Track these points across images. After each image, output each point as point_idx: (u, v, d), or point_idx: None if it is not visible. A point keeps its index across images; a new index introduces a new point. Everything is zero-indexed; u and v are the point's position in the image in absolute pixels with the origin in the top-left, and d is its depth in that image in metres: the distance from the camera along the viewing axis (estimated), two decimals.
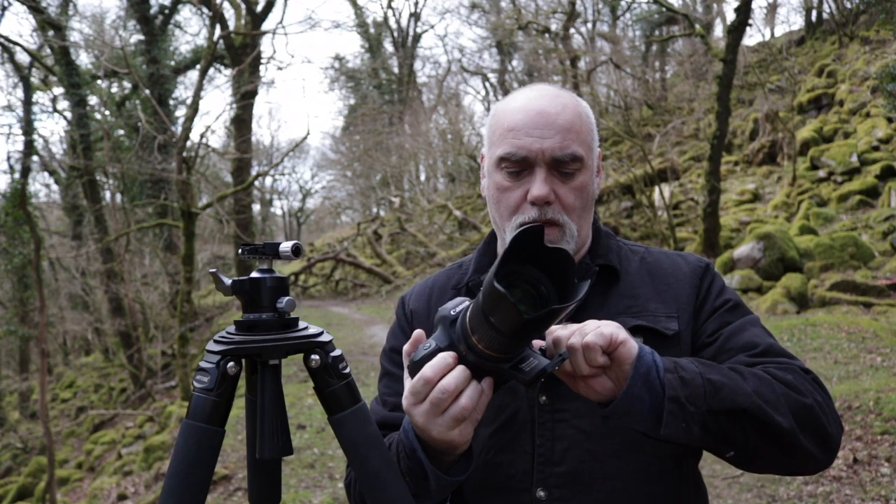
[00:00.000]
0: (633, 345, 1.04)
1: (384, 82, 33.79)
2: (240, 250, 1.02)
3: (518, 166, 1.25)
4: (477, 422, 1.06)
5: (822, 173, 13.54)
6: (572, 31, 24.51)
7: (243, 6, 20.26)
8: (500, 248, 1.38)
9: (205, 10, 17.17)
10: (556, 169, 1.24)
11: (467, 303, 1.05)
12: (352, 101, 36.72)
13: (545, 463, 1.21)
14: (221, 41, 18.68)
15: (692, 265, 1.33)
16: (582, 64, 23.82)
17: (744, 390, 1.06)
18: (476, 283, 1.35)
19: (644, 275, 1.31)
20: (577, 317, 1.25)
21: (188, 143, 12.65)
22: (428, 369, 1.02)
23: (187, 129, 12.20)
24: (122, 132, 20.36)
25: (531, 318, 0.92)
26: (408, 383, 1.07)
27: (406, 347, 1.10)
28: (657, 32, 26.84)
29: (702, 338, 1.25)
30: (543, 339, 1.07)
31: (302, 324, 1.05)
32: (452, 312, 1.05)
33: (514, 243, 0.95)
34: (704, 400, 1.04)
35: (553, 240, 1.24)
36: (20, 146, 18.97)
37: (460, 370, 1.02)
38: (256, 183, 20.58)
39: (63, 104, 19.99)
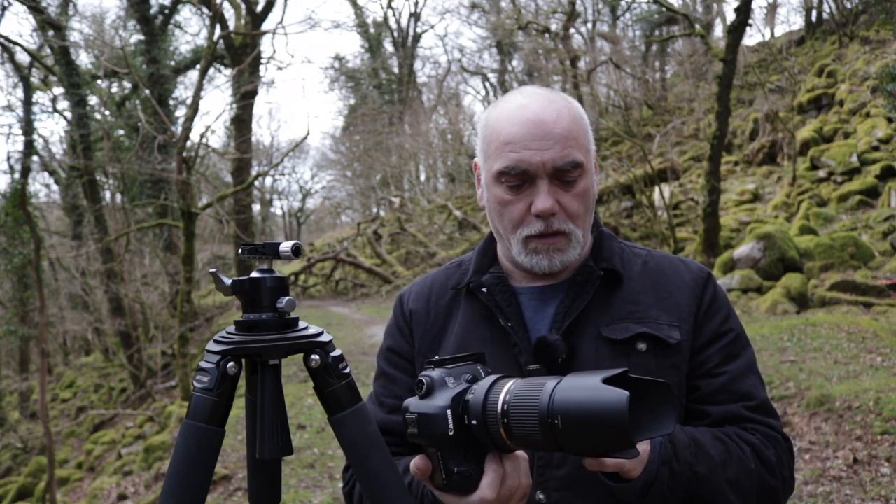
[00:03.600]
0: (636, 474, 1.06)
1: (384, 82, 33.79)
2: (240, 250, 1.02)
3: (518, 179, 1.23)
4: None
5: (822, 173, 13.54)
6: (572, 31, 24.50)
7: (243, 6, 20.25)
8: (501, 254, 1.36)
9: (205, 10, 17.17)
10: (558, 178, 1.22)
11: (445, 408, 0.97)
12: (352, 101, 36.75)
13: (545, 466, 1.21)
14: (221, 41, 18.67)
15: (694, 273, 1.32)
16: (582, 64, 23.81)
17: (721, 486, 1.14)
18: (476, 284, 1.33)
19: (646, 280, 1.31)
20: (580, 321, 1.25)
21: (188, 143, 12.65)
22: (488, 491, 0.99)
23: (187, 129, 12.19)
24: (122, 132, 20.36)
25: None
26: (449, 497, 1.04)
27: (417, 473, 1.04)
28: (657, 32, 26.84)
29: (707, 366, 1.26)
30: None
31: (302, 324, 1.05)
32: (451, 432, 0.97)
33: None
34: (684, 490, 1.11)
35: (560, 247, 1.24)
36: (20, 146, 19.00)
37: (513, 468, 1.01)
38: (256, 183, 20.58)
39: (63, 104, 20.01)
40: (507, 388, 0.94)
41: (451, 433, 0.97)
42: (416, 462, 1.03)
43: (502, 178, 1.24)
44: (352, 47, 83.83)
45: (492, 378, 0.99)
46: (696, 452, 1.13)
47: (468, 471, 0.99)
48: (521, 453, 1.03)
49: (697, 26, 15.42)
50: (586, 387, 0.86)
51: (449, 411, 0.97)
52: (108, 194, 19.62)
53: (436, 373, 1.01)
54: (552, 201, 1.21)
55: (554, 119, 1.22)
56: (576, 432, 0.86)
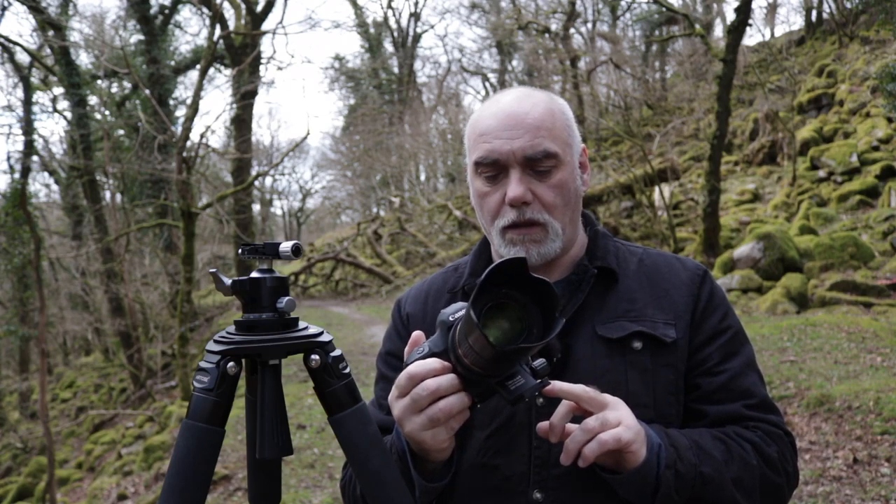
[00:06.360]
0: (640, 456, 1.08)
1: (384, 82, 33.80)
2: (240, 250, 1.03)
3: (493, 170, 1.25)
4: (454, 430, 1.07)
5: (822, 173, 13.54)
6: (572, 31, 24.50)
7: (243, 6, 20.25)
8: (495, 256, 1.37)
9: (205, 10, 17.18)
10: (531, 168, 1.23)
11: (464, 311, 1.06)
12: (352, 101, 36.76)
13: (542, 465, 1.20)
14: (221, 41, 18.68)
15: (690, 271, 1.32)
16: (582, 64, 23.80)
17: (726, 484, 1.14)
18: (471, 286, 1.33)
19: (642, 278, 1.31)
20: (575, 319, 1.25)
21: (188, 143, 12.64)
22: (414, 366, 1.04)
23: (187, 129, 12.18)
24: (122, 132, 20.38)
25: (503, 351, 0.93)
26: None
27: (406, 349, 1.11)
28: (657, 32, 26.85)
29: (707, 364, 1.26)
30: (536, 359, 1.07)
31: (302, 324, 1.05)
32: (451, 318, 1.05)
33: (490, 274, 0.95)
34: (691, 491, 1.12)
35: (537, 238, 1.25)
36: (20, 146, 19.02)
37: (449, 377, 1.03)
38: (256, 183, 20.60)
39: (63, 104, 20.04)
40: None
41: (451, 319, 1.05)
42: (415, 332, 1.12)
43: (479, 170, 1.27)
44: (352, 47, 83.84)
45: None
46: (698, 453, 1.13)
47: (424, 350, 1.06)
48: (467, 396, 1.05)
49: (697, 26, 15.42)
50: None
51: (468, 308, 1.05)
52: (108, 194, 19.62)
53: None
54: (523, 189, 1.22)
55: (527, 110, 1.24)
56: (469, 338, 0.95)
